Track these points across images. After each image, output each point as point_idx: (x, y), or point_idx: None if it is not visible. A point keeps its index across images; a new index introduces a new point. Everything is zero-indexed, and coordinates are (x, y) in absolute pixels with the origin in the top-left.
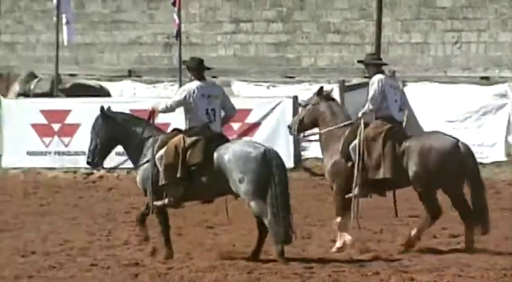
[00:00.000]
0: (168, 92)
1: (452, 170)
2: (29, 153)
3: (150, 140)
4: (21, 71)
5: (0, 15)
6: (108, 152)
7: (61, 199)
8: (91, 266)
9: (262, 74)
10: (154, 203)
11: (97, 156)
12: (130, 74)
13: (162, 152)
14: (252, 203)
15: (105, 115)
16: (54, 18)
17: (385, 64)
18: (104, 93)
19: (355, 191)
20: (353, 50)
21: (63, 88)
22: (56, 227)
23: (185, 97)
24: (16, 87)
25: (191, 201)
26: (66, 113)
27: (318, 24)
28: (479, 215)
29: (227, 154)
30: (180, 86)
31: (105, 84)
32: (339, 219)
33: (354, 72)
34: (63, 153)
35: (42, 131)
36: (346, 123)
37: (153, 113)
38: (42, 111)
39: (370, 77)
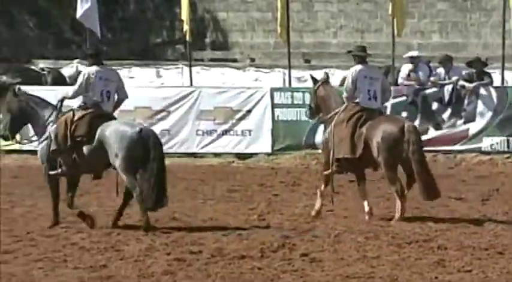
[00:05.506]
0: None
1: (401, 147)
2: None
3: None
4: None
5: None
6: (20, 128)
7: None
8: None
9: None
10: (49, 172)
11: (8, 131)
12: None
13: (55, 125)
14: (124, 177)
15: (17, 95)
16: None
17: (368, 55)
18: None
19: (331, 168)
20: None
21: None
22: None
23: (86, 79)
24: None
25: (83, 173)
26: None
27: None
28: (425, 184)
29: (107, 130)
30: None
31: None
32: (321, 189)
33: None
34: None
35: None
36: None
37: (62, 100)
38: None
39: None
